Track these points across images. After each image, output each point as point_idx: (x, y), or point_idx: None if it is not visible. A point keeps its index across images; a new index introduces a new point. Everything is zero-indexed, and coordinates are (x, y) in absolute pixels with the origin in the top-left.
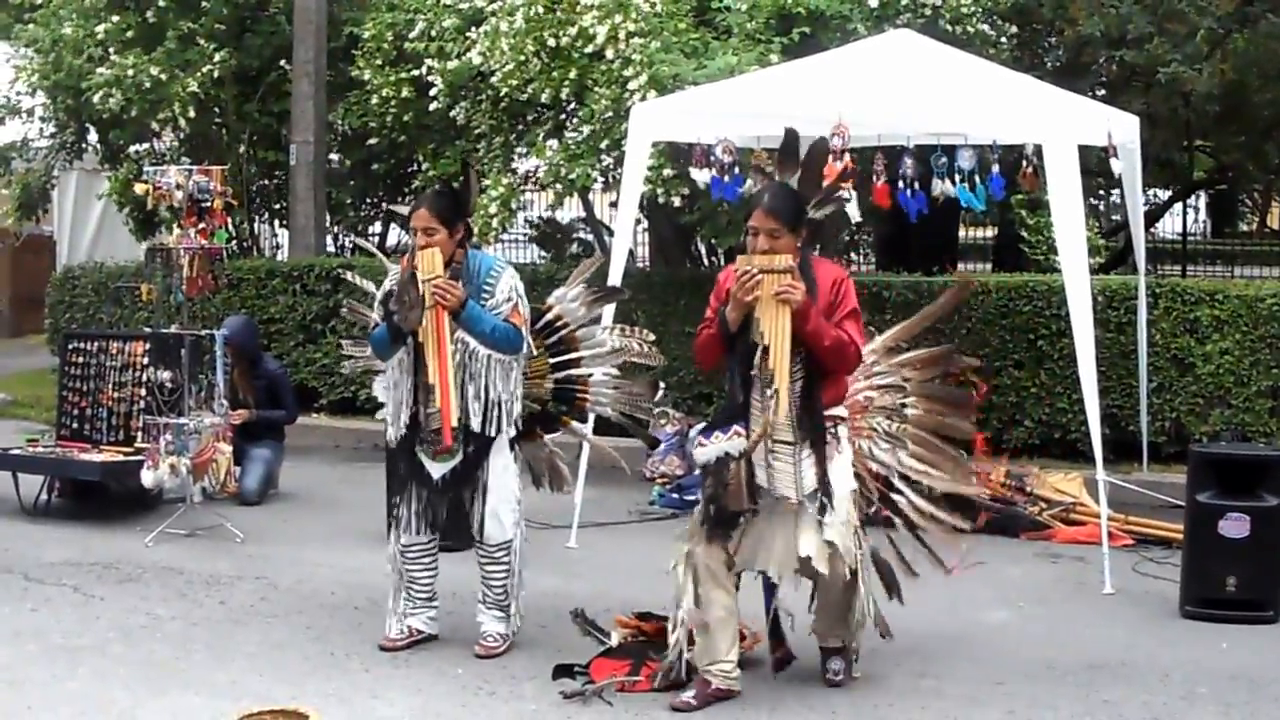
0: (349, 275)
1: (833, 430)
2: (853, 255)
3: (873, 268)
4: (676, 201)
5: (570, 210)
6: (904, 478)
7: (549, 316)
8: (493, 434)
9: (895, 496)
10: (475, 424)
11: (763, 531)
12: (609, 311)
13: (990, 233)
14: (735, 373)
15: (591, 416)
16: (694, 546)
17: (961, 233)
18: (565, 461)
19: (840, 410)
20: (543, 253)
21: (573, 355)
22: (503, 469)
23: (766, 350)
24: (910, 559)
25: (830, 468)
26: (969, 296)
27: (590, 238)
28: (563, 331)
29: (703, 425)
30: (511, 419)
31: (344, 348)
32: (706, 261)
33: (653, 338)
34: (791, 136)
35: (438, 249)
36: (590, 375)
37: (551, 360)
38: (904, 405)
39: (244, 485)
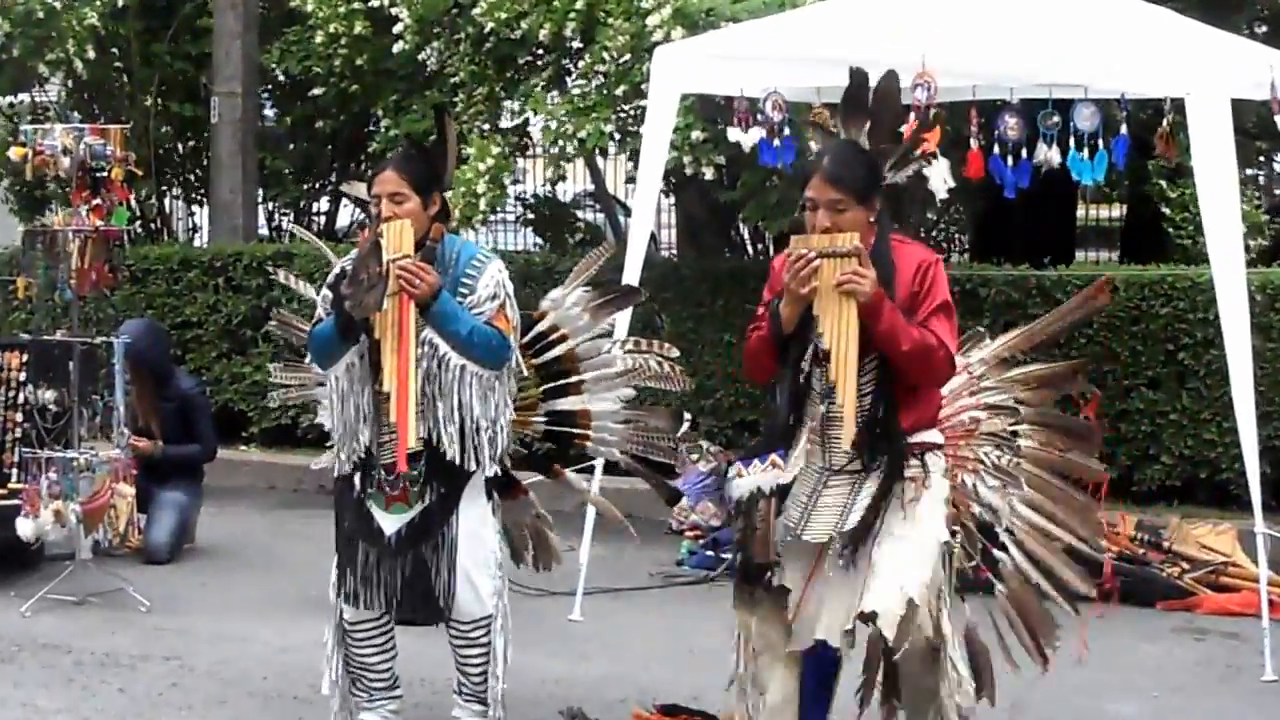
0: (280, 275)
1: (919, 460)
2: (939, 241)
3: (965, 258)
4: (709, 173)
5: (575, 182)
6: (1010, 531)
7: (541, 327)
8: (470, 468)
9: (999, 554)
10: (449, 454)
11: (826, 589)
12: (624, 317)
13: (1118, 212)
14: (786, 384)
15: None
16: (738, 607)
17: (1080, 211)
18: (554, 528)
19: (932, 435)
20: (538, 238)
21: (571, 379)
22: (478, 521)
23: (827, 355)
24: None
25: (915, 510)
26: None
27: (600, 217)
28: (559, 348)
29: (743, 451)
30: (492, 454)
31: (273, 373)
32: (751, 250)
33: (675, 353)
34: (859, 77)
35: (408, 221)
36: (593, 407)
37: (544, 386)
38: (1015, 434)
39: (150, 538)
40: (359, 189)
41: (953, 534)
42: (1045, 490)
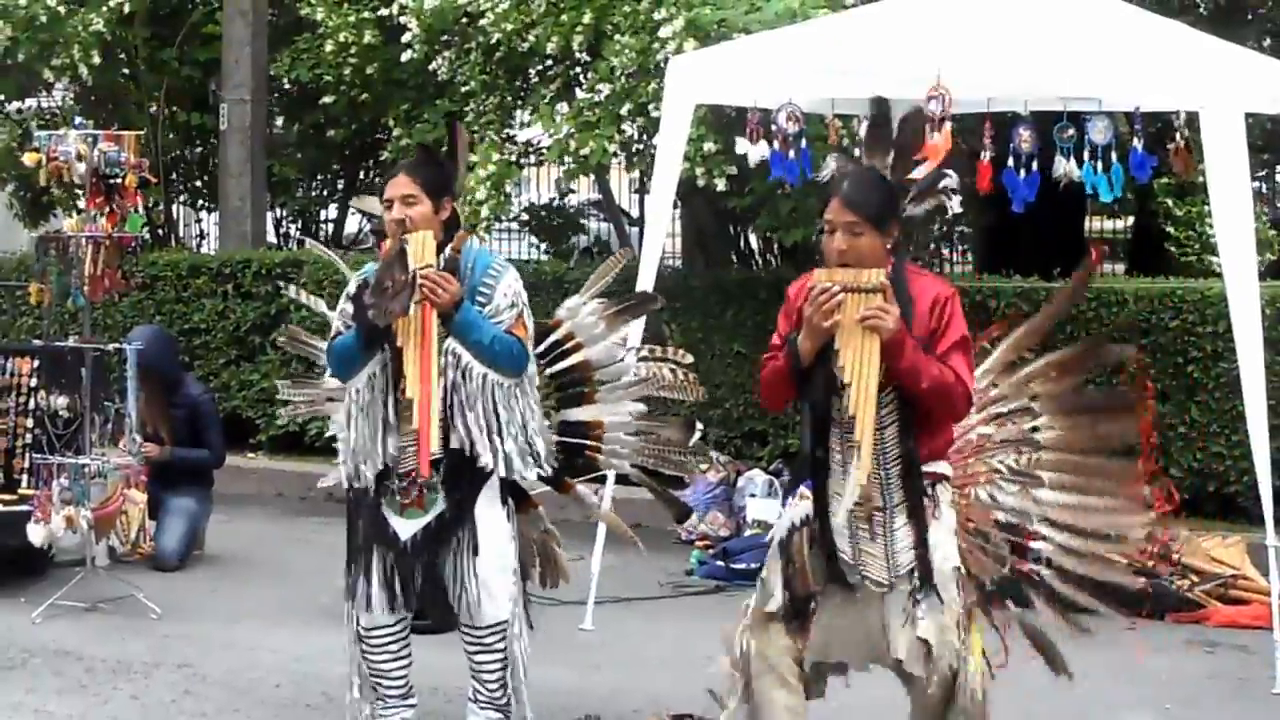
0: (291, 290)
1: (929, 492)
2: (944, 252)
3: (972, 269)
4: (721, 184)
5: (581, 191)
6: (1045, 519)
7: (556, 336)
8: (503, 474)
9: (1037, 545)
10: (483, 460)
11: (841, 613)
12: (635, 327)
13: (1123, 224)
14: (807, 417)
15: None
16: (749, 634)
17: (1087, 224)
18: (562, 544)
19: (941, 466)
20: (538, 244)
21: (586, 389)
22: (494, 527)
23: (845, 387)
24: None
25: (928, 540)
26: (1089, 280)
27: (606, 226)
28: (574, 357)
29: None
30: (531, 458)
31: (281, 391)
32: (760, 260)
33: (689, 360)
34: (882, 107)
35: (430, 233)
36: (605, 418)
37: (557, 395)
38: (1034, 429)
39: (161, 545)
40: (370, 204)
41: (968, 552)
42: (1076, 470)
